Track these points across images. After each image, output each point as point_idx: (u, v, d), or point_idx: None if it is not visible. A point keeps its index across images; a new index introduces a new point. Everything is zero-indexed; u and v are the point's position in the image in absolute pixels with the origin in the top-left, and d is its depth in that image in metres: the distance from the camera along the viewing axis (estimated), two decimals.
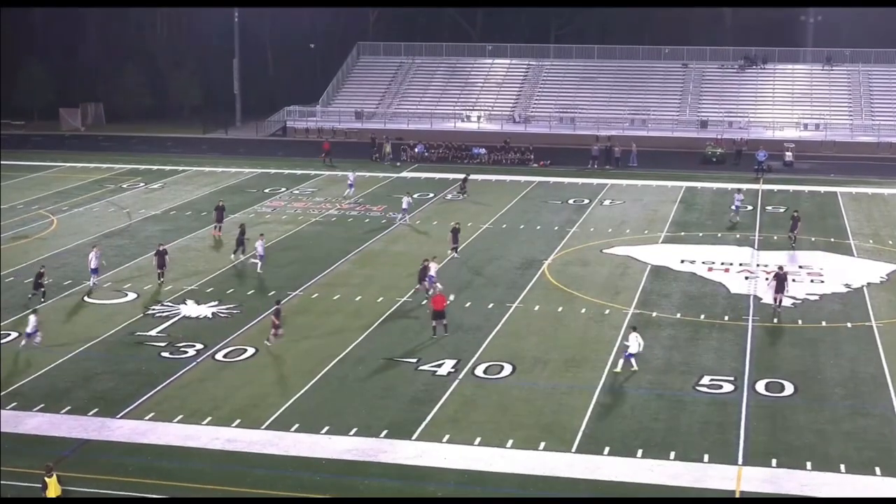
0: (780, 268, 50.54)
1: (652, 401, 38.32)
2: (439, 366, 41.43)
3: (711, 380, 40.18)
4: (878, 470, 32.88)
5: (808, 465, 33.22)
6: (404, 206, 66.85)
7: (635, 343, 40.93)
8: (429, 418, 36.56)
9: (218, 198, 69.07)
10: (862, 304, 49.75)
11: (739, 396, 38.63)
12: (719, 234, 63.83)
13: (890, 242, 61.96)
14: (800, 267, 56.20)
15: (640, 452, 34.05)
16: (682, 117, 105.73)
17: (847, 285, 52.76)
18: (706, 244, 61.55)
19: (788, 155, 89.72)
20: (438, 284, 49.59)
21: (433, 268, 50.59)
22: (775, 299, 48.41)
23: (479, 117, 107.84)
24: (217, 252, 59.03)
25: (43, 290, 49.25)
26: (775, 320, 47.10)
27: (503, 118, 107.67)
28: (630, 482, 32.14)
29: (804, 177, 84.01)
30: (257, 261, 54.66)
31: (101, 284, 51.75)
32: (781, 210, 70.85)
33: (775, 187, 79.08)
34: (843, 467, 33.06)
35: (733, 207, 68.04)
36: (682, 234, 64.11)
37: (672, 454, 33.91)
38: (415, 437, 35.18)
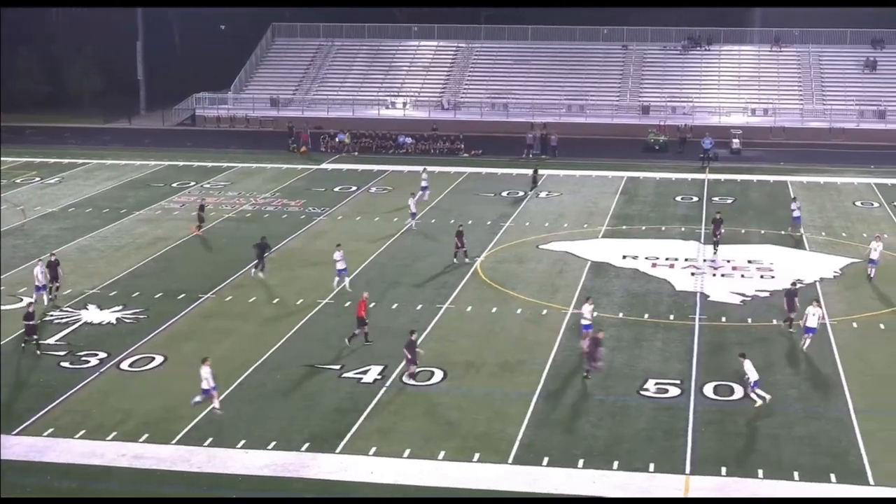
0: (794, 283, 49.10)
1: (594, 407, 38.54)
2: (364, 373, 41.36)
3: (657, 384, 40.51)
4: (832, 477, 33.35)
5: (760, 472, 33.61)
6: (412, 209, 64.55)
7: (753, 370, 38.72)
8: (354, 430, 36.47)
9: (122, 193, 68.32)
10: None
11: (686, 401, 38.98)
12: (663, 228, 64.37)
13: (843, 235, 62.86)
14: (749, 261, 56.84)
15: (581, 462, 34.23)
16: (622, 102, 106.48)
17: (799, 281, 53.35)
18: (649, 238, 62.05)
19: (736, 142, 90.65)
20: (347, 279, 49.97)
21: (338, 255, 51.01)
22: (787, 320, 46.22)
23: (404, 104, 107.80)
24: (119, 252, 58.39)
25: None
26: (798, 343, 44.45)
27: (431, 105, 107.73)
28: (571, 495, 32.31)
29: (753, 165, 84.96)
30: (337, 276, 51.85)
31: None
32: (729, 201, 71.61)
33: (722, 176, 79.89)
34: (796, 475, 33.48)
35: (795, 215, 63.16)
36: (624, 227, 64.56)
37: (615, 464, 34.13)
38: (339, 450, 35.08)
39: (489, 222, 65.14)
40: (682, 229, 64.06)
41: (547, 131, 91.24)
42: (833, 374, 41.71)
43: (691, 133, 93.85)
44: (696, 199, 71.96)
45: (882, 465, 34.05)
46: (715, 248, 58.13)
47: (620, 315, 48.40)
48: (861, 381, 40.90)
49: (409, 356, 40.28)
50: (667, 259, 57.38)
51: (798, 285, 48.68)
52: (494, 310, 48.62)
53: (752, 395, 38.19)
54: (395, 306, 49.16)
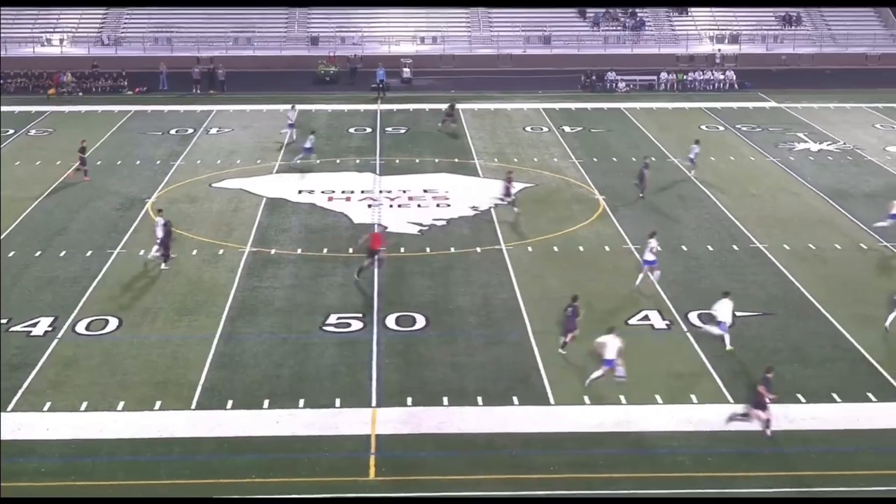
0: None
1: (276, 346, 38.63)
2: (34, 325, 40.07)
3: (339, 318, 40.91)
4: (515, 399, 34.63)
5: (445, 400, 34.53)
6: (308, 144, 63.54)
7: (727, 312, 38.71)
8: (25, 386, 35.34)
9: None
10: (490, 227, 51.92)
11: (369, 334, 39.56)
12: (338, 161, 64.73)
13: (515, 160, 64.81)
14: (425, 191, 57.92)
15: (266, 403, 34.32)
16: (290, 34, 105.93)
17: (474, 208, 54.82)
18: (324, 172, 62.31)
19: (406, 71, 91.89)
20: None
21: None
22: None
23: (61, 40, 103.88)
24: None
25: None
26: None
27: (90, 40, 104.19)
28: (257, 436, 32.38)
29: (424, 94, 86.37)
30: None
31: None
32: (402, 131, 72.64)
33: (395, 106, 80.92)
34: (480, 400, 34.58)
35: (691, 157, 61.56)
36: (299, 161, 64.54)
37: (301, 402, 34.37)
38: (10, 408, 33.92)
39: (158, 162, 63.87)
40: (357, 161, 64.60)
41: (214, 65, 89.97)
42: (511, 298, 43.12)
43: (361, 63, 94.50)
44: (369, 130, 72.64)
45: (561, 386, 35.56)
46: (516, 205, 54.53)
47: (299, 251, 48.51)
48: (538, 304, 42.44)
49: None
50: (343, 192, 57.79)
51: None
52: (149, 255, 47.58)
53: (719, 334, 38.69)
54: (62, 254, 47.70)
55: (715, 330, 38.23)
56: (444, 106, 74.90)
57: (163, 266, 46.13)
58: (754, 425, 32.78)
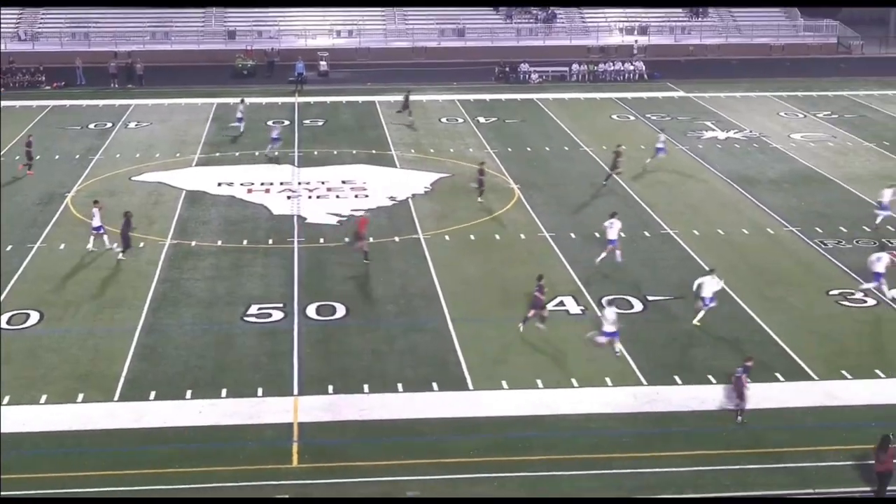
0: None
1: (198, 337, 38.40)
2: None
3: (260, 308, 40.75)
4: (435, 385, 34.72)
5: (366, 387, 34.53)
6: (274, 135, 63.50)
7: (712, 287, 39.53)
8: None
9: None
10: (408, 217, 51.97)
11: (290, 324, 39.45)
12: (257, 153, 64.35)
13: (431, 151, 64.89)
14: (343, 182, 57.80)
15: (189, 394, 34.10)
16: (207, 28, 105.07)
17: (392, 198, 54.85)
18: (244, 164, 61.94)
19: (323, 64, 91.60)
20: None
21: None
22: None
23: None
24: None
25: None
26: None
27: (8, 35, 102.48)
28: (180, 426, 32.17)
29: (341, 87, 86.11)
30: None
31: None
32: (320, 123, 72.42)
33: (312, 99, 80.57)
34: (400, 386, 34.62)
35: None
36: (217, 154, 64.16)
37: (224, 391, 34.21)
38: None
39: (77, 156, 63.06)
40: (276, 153, 64.23)
41: (132, 60, 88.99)
42: (429, 286, 43.21)
43: (279, 57, 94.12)
44: (287, 122, 72.26)
45: (479, 370, 35.71)
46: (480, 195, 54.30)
47: (219, 243, 48.22)
48: (455, 291, 42.59)
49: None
50: (262, 184, 57.51)
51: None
52: (89, 246, 47.11)
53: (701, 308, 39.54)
54: None
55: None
56: (360, 98, 74.51)
57: (120, 256, 45.78)
58: (668, 406, 33.25)
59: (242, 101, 71.45)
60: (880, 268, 41.66)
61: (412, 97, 74.64)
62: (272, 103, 78.81)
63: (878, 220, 50.15)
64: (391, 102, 78.19)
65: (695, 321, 39.38)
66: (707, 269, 41.34)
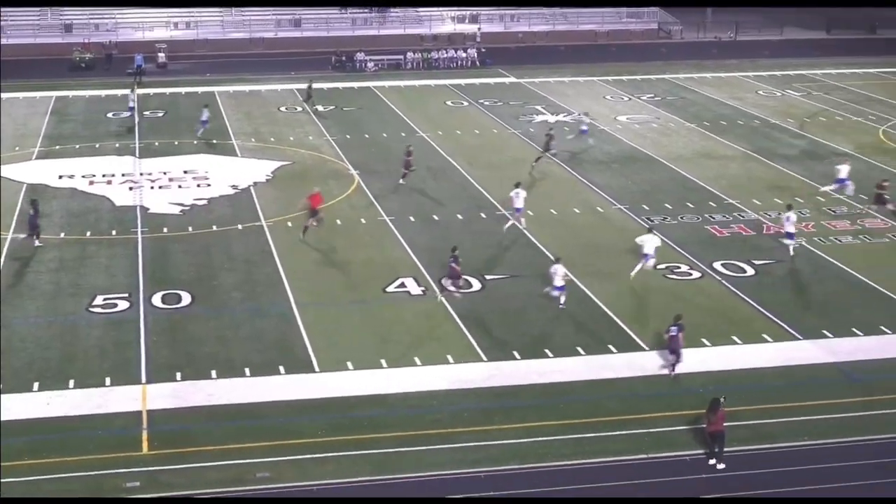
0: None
1: (43, 329, 37.65)
2: None
3: (105, 299, 40.12)
4: (281, 369, 34.64)
5: (213, 373, 34.30)
6: (203, 118, 63.95)
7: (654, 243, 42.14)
8: None
9: None
10: (250, 205, 51.65)
11: (136, 313, 38.93)
12: (97, 145, 63.19)
13: (272, 139, 64.54)
14: (185, 172, 57.14)
15: (36, 386, 33.43)
16: (43, 21, 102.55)
17: (234, 186, 54.44)
18: (85, 156, 60.78)
19: (161, 56, 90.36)
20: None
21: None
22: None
23: None
24: None
25: None
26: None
27: None
28: (28, 418, 31.52)
29: (180, 78, 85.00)
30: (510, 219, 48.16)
31: None
32: (160, 114, 71.41)
33: (151, 91, 79.36)
34: (247, 371, 34.47)
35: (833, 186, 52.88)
36: (58, 147, 62.80)
37: (71, 383, 33.60)
38: None
39: None
40: (117, 145, 63.21)
41: None
42: (273, 272, 43.04)
43: (117, 49, 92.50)
44: (127, 114, 70.99)
45: (324, 353, 35.73)
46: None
47: (62, 235, 47.29)
48: (299, 276, 42.50)
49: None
50: (104, 176, 56.51)
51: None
52: None
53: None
54: None
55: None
56: (200, 89, 73.68)
57: (37, 243, 45.18)
58: (509, 381, 33.78)
59: (132, 90, 72.05)
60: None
61: (314, 85, 74.98)
62: (112, 96, 77.32)
63: (847, 193, 52.02)
64: (231, 92, 77.57)
65: (632, 273, 41.47)
66: (646, 227, 44.40)
